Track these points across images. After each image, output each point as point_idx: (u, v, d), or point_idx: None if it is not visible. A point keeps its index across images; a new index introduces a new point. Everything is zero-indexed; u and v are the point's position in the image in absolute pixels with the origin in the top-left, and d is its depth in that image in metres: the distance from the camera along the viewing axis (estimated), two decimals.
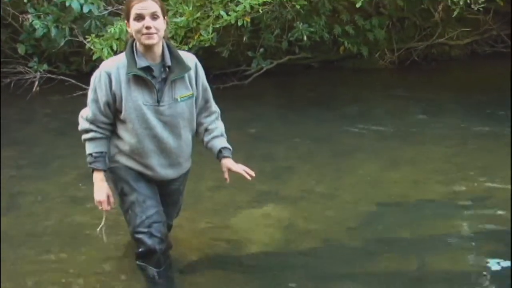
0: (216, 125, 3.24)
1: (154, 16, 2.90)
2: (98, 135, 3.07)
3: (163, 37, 3.01)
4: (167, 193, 3.29)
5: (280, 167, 5.18)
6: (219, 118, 3.29)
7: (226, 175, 3.18)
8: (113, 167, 3.14)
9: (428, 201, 4.37)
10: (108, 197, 3.15)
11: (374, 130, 6.15)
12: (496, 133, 5.82)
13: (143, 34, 2.90)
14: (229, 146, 3.22)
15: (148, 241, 3.10)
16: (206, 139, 3.22)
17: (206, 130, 3.22)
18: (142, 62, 2.94)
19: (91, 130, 3.06)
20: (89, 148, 3.09)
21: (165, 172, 3.15)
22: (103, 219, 3.36)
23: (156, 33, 2.90)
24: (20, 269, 3.55)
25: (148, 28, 2.88)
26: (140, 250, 3.15)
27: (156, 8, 2.91)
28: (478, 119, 6.32)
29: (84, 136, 3.10)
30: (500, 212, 4.12)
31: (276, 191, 4.62)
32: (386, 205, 4.31)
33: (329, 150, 5.58)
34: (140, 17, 2.89)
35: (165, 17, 3.01)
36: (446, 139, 5.76)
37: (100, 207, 3.19)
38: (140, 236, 3.11)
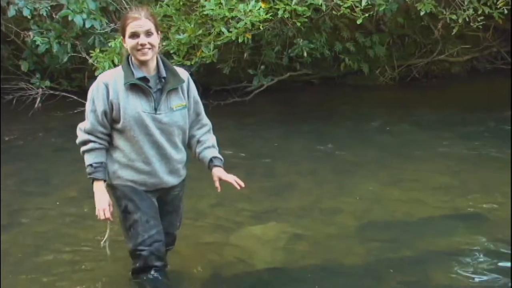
0: (207, 137, 3.32)
1: (148, 33, 3.02)
2: (97, 146, 3.11)
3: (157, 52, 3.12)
4: (168, 200, 3.33)
5: (281, 183, 5.18)
6: (211, 131, 3.37)
7: (217, 184, 3.23)
8: (117, 184, 3.16)
9: (429, 218, 4.36)
10: (109, 205, 3.17)
11: (374, 147, 6.16)
12: (498, 150, 5.82)
13: (138, 50, 3.01)
14: (220, 156, 3.28)
15: (147, 257, 3.16)
16: (197, 150, 3.29)
17: (198, 142, 3.30)
18: (138, 73, 3.06)
19: (90, 141, 3.10)
20: (89, 159, 3.12)
21: (167, 178, 3.19)
22: (107, 232, 3.37)
23: (150, 49, 3.03)
24: (21, 286, 3.54)
25: (142, 45, 3.00)
26: (137, 265, 3.19)
27: (150, 25, 3.03)
28: (479, 136, 6.34)
29: (83, 148, 3.13)
30: (501, 229, 4.11)
31: (277, 207, 4.62)
32: (388, 222, 4.31)
33: (330, 167, 5.58)
34: (135, 35, 3.01)
35: (159, 33, 3.11)
36: (446, 156, 5.76)
37: (102, 216, 3.16)
38: (140, 253, 3.16)
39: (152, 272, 3.18)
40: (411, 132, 6.68)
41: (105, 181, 3.14)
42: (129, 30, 3.01)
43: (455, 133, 6.51)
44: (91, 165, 3.10)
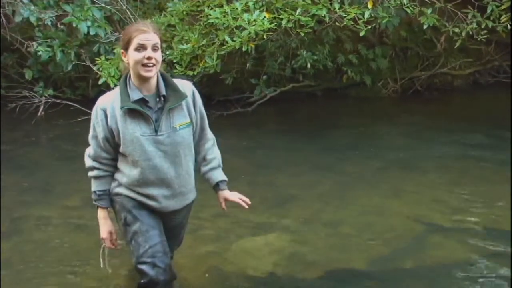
0: (213, 155, 3.23)
1: (155, 48, 2.93)
2: (102, 173, 3.10)
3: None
4: (168, 227, 3.26)
5: (282, 195, 5.18)
6: (215, 145, 3.29)
7: (224, 205, 3.23)
8: (115, 198, 3.14)
9: (430, 231, 4.36)
10: (110, 234, 3.16)
11: (376, 159, 6.16)
12: (498, 163, 5.83)
13: (143, 65, 2.91)
14: (225, 178, 3.25)
15: (151, 271, 3.04)
16: (204, 169, 3.23)
17: (204, 159, 3.22)
18: (135, 95, 2.96)
19: (95, 168, 3.10)
20: (94, 185, 3.14)
21: (168, 203, 3.12)
22: (101, 252, 3.35)
23: (155, 65, 2.93)
24: None
25: (149, 58, 2.90)
26: (142, 281, 3.08)
27: (157, 40, 2.95)
28: (480, 149, 6.34)
29: (89, 174, 3.14)
30: (502, 242, 4.11)
31: (278, 219, 4.62)
32: (389, 235, 4.30)
33: (331, 179, 5.58)
34: (142, 48, 2.91)
35: (162, 50, 3.03)
36: (448, 169, 5.77)
37: (103, 244, 3.20)
38: (143, 266, 3.06)
39: (158, 287, 3.06)
40: (412, 144, 6.68)
41: (108, 208, 3.15)
42: (136, 42, 2.90)
43: (456, 146, 6.51)
44: (95, 192, 3.13)
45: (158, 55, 2.95)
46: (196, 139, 3.18)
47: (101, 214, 3.15)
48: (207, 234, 4.34)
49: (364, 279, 3.68)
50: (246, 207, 3.16)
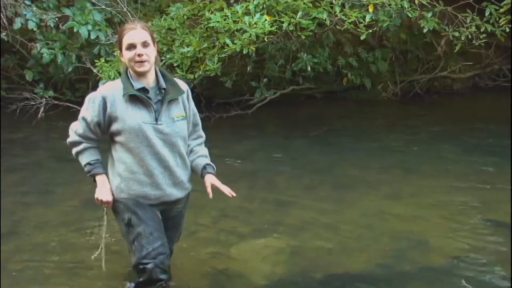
0: (201, 148, 3.35)
1: (145, 44, 3.03)
2: (89, 145, 3.15)
3: (155, 63, 3.13)
4: (171, 216, 3.31)
5: (282, 198, 5.18)
6: (203, 144, 3.39)
7: (209, 189, 3.18)
8: (119, 197, 3.15)
9: (429, 234, 4.35)
10: (107, 193, 3.15)
11: (375, 162, 6.17)
12: (497, 167, 5.83)
13: (135, 62, 3.03)
14: (213, 164, 3.29)
15: (152, 270, 3.11)
16: (190, 158, 3.30)
17: (191, 151, 3.31)
18: (137, 85, 3.07)
19: (82, 142, 3.14)
20: (85, 158, 3.15)
21: (171, 190, 3.18)
22: (100, 248, 3.37)
23: (147, 60, 3.04)
24: None
25: (140, 55, 3.01)
26: (141, 279, 3.15)
27: (147, 36, 3.05)
28: (479, 153, 6.35)
29: (76, 149, 3.17)
30: (502, 243, 4.12)
31: (278, 222, 4.62)
32: (388, 237, 4.30)
33: (331, 182, 5.59)
34: (132, 46, 3.03)
35: (155, 45, 3.12)
36: (447, 173, 5.77)
37: (104, 207, 3.19)
38: (144, 266, 3.12)
39: (157, 286, 3.13)
40: (412, 147, 6.69)
41: (105, 174, 3.16)
42: (125, 41, 3.02)
43: (455, 150, 6.53)
44: (88, 163, 3.14)
45: (149, 51, 3.05)
46: (188, 134, 3.28)
47: (101, 179, 3.15)
48: (207, 236, 4.34)
49: (364, 281, 3.68)
50: (230, 196, 3.13)
